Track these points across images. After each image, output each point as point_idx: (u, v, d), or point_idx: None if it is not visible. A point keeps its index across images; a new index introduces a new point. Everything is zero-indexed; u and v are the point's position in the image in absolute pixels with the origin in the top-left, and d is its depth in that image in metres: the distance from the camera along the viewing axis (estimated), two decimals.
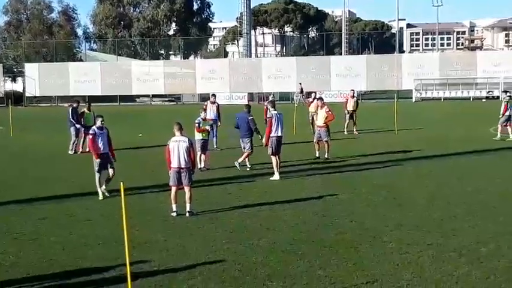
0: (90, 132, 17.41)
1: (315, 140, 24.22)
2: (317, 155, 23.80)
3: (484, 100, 65.68)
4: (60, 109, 62.45)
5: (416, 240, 12.24)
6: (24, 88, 78.32)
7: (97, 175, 17.14)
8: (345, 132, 32.61)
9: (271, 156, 20.18)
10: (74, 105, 28.36)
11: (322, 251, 11.72)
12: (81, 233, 13.54)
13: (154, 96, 77.44)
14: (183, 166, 15.11)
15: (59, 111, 53.98)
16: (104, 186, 17.09)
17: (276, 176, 19.80)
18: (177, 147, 15.07)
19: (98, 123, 17.43)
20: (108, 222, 14.33)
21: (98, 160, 17.09)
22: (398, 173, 20.73)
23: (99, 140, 17.16)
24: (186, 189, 15.11)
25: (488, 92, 68.18)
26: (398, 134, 31.53)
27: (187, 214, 14.88)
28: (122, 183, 9.92)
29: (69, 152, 27.02)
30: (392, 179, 19.53)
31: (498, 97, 66.28)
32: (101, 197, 16.90)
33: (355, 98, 34.20)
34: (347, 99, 34.43)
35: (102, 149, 17.19)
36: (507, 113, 29.22)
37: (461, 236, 12.51)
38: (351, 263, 10.95)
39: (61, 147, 28.05)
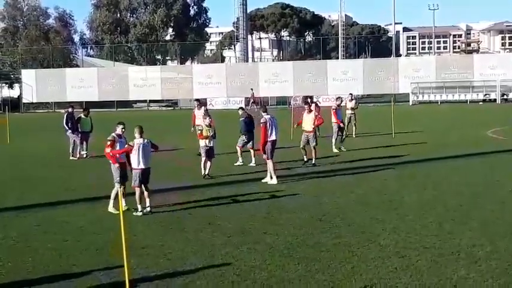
0: (109, 138, 16.08)
1: (301, 145, 23.61)
2: (305, 159, 23.37)
3: (481, 103, 65.83)
4: (57, 115, 62.35)
5: (414, 244, 12.23)
6: (21, 94, 78.32)
7: (117, 185, 15.85)
8: (352, 135, 32.81)
9: (268, 161, 20.15)
10: (69, 110, 28.33)
11: (319, 254, 11.71)
12: (76, 239, 13.49)
13: (151, 101, 77.50)
14: (147, 166, 15.96)
15: (56, 117, 53.93)
16: (142, 205, 15.86)
17: (274, 180, 19.76)
18: (142, 148, 15.73)
19: (118, 130, 16.36)
20: (103, 228, 14.29)
21: (118, 169, 15.99)
22: (395, 176, 20.73)
23: (118, 148, 16.09)
24: (146, 188, 15.90)
25: (485, 95, 68.37)
26: (395, 137, 31.55)
27: (148, 209, 15.58)
28: (120, 188, 9.95)
29: (72, 158, 27.04)
30: (389, 183, 19.53)
31: (495, 100, 66.55)
32: (140, 213, 15.64)
33: (353, 101, 34.36)
34: (345, 103, 34.73)
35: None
36: None
37: (458, 239, 12.50)
38: (349, 267, 10.94)
39: (58, 153, 28.05)
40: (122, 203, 15.82)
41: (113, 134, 16.23)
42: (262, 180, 20.00)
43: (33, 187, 20.58)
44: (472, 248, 11.87)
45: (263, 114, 20.68)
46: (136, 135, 15.93)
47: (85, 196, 16.77)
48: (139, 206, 15.69)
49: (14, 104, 74.37)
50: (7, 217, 15.94)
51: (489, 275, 10.34)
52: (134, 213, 15.33)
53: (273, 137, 20.26)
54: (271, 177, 19.92)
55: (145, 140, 15.97)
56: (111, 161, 16.11)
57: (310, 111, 23.71)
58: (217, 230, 13.81)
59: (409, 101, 68.63)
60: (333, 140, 27.90)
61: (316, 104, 29.72)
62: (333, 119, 27.81)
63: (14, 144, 33.42)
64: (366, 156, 25.25)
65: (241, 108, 25.88)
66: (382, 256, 11.51)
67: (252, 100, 65.94)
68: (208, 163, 21.11)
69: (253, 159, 23.60)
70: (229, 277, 10.58)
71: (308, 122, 23.46)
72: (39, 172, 23.99)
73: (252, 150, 23.87)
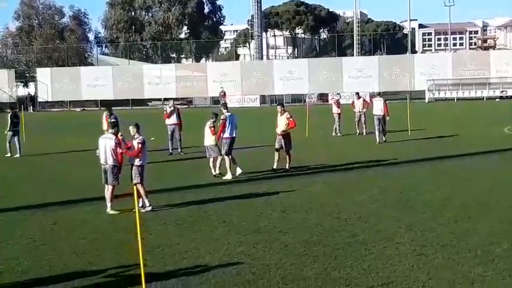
0: (139, 141, 16.04)
1: (276, 146, 22.10)
2: (274, 167, 21.78)
3: (497, 100, 65.43)
4: (72, 114, 62.63)
5: (430, 242, 12.18)
6: (35, 93, 78.57)
7: (140, 187, 15.79)
8: (357, 133, 32.83)
9: (225, 156, 20.67)
10: (14, 111, 30.52)
11: (335, 253, 11.68)
12: (92, 237, 13.55)
13: (166, 99, 77.47)
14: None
15: (71, 116, 54.21)
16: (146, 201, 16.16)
17: (229, 176, 20.45)
18: (145, 145, 16.21)
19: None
20: (120, 227, 14.33)
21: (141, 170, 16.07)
22: (411, 174, 20.65)
23: (146, 150, 16.36)
24: (143, 185, 16.07)
25: (502, 91, 67.89)
26: (411, 134, 31.41)
27: (148, 208, 15.76)
28: (134, 186, 9.95)
29: (7, 155, 28.54)
30: (405, 180, 19.46)
31: (511, 97, 66.13)
32: (149, 208, 15.89)
33: (361, 100, 34.16)
34: (353, 102, 34.57)
35: (147, 160, 16.51)
36: None
37: (475, 237, 12.44)
38: (365, 265, 10.90)
39: (72, 152, 28.16)
40: (148, 202, 16.06)
41: (143, 137, 16.28)
42: (223, 178, 20.51)
43: (49, 186, 20.65)
44: (489, 245, 11.80)
45: (224, 111, 21.30)
46: (136, 133, 16.15)
47: (101, 195, 16.72)
48: (146, 202, 15.87)
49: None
50: (24, 216, 15.99)
51: (506, 272, 10.28)
52: (142, 210, 15.33)
53: (233, 134, 20.91)
54: (226, 173, 20.61)
55: (144, 137, 16.39)
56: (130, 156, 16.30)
57: (283, 113, 22.01)
58: (233, 229, 13.81)
59: (425, 98, 68.25)
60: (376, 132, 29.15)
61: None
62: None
63: (30, 142, 33.52)
64: (382, 154, 25.14)
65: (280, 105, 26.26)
66: (398, 254, 11.47)
67: (223, 100, 65.87)
68: (218, 160, 21.12)
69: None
70: (245, 276, 10.58)
71: (281, 124, 22.04)
72: (55, 171, 24.07)
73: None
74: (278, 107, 22.80)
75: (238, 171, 20.71)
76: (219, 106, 26.31)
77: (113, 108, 27.36)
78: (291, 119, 21.71)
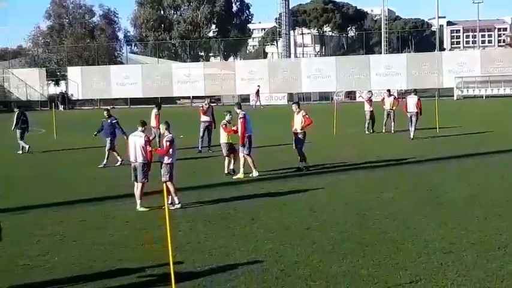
0: (167, 139, 16.03)
1: (294, 147, 21.88)
2: (300, 166, 21.55)
3: None
4: (102, 112, 62.72)
5: (459, 239, 12.12)
6: (66, 91, 79.39)
7: (170, 184, 15.80)
8: (383, 131, 32.63)
9: (247, 156, 20.55)
10: (21, 110, 30.73)
11: (364, 250, 11.67)
12: (121, 234, 13.65)
13: (194, 97, 77.79)
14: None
15: (101, 114, 54.43)
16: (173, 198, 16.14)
17: (255, 173, 20.43)
18: (174, 142, 16.19)
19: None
20: (149, 224, 14.41)
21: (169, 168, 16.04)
22: (440, 172, 20.55)
23: (175, 148, 16.33)
24: (172, 183, 16.05)
25: None
26: (439, 132, 31.22)
27: (178, 206, 15.83)
28: (164, 184, 10.02)
29: (19, 152, 29.17)
30: (434, 178, 19.37)
31: None
32: (179, 205, 16.01)
33: (392, 97, 34.01)
34: (383, 99, 34.34)
35: (175, 158, 16.51)
36: None
37: (505, 234, 12.35)
38: (394, 263, 10.88)
39: (102, 150, 28.33)
40: (178, 199, 16.09)
41: (171, 135, 16.31)
42: (234, 177, 20.42)
43: (79, 183, 20.80)
44: None
45: (237, 110, 21.18)
46: (166, 131, 16.25)
47: (130, 192, 16.84)
48: (176, 199, 15.92)
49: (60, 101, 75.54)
50: (53, 212, 16.16)
51: None
52: (172, 208, 15.27)
53: (250, 132, 20.81)
54: (253, 170, 20.52)
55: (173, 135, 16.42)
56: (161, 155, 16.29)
57: (299, 111, 21.58)
58: (261, 226, 13.85)
59: (453, 96, 67.77)
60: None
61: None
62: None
63: (61, 140, 33.83)
64: (410, 151, 25.02)
65: (107, 109, 26.47)
66: (427, 252, 11.43)
67: (255, 97, 65.88)
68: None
69: (105, 160, 24.16)
70: (273, 272, 10.61)
71: (296, 123, 21.63)
72: (85, 168, 24.23)
73: (110, 152, 24.47)
74: (293, 105, 22.40)
75: (255, 173, 20.60)
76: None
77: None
78: (306, 116, 21.38)
